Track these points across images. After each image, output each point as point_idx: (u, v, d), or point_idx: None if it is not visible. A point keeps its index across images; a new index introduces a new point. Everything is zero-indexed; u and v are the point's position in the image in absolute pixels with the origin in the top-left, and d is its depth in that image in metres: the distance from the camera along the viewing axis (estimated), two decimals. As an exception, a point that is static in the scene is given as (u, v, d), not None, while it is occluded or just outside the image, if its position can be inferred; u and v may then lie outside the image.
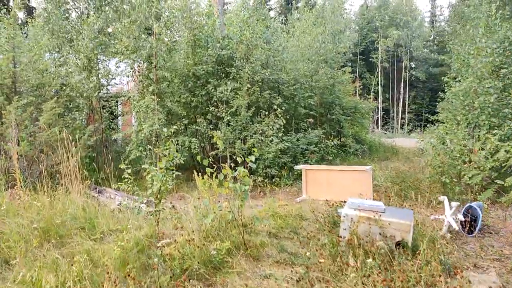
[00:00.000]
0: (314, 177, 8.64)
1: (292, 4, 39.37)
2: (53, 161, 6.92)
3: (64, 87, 9.67)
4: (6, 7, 10.90)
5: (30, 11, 22.54)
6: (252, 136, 9.41)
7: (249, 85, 9.50)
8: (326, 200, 6.74)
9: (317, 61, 13.28)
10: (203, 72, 10.08)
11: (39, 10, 16.01)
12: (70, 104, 9.88)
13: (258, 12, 11.34)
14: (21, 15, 28.59)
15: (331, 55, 13.77)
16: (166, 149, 4.88)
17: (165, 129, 8.51)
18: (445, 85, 10.04)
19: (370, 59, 43.89)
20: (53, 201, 5.48)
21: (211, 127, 10.16)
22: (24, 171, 7.45)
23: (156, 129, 9.12)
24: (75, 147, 7.16)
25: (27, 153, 7.63)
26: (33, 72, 8.81)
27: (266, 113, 9.69)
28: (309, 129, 11.74)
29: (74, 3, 12.60)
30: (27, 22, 11.88)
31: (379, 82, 42.88)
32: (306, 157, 10.91)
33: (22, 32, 10.16)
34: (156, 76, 9.63)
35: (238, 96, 9.52)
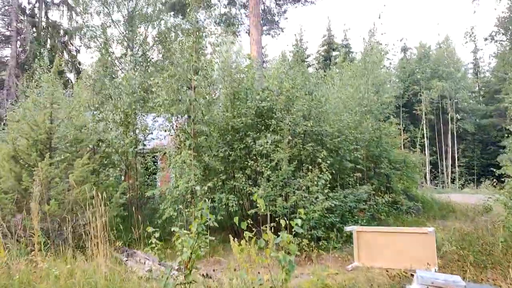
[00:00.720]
0: (368, 240, 7.61)
1: (330, 60, 39.80)
2: (80, 222, 6.44)
3: (101, 143, 9.51)
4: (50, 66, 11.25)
5: (79, 71, 23.94)
6: (295, 192, 8.62)
7: (290, 137, 8.90)
8: (384, 269, 5.72)
9: (360, 112, 12.59)
10: (242, 124, 9.65)
11: (88, 71, 16.65)
12: (105, 161, 9.65)
13: (298, 64, 11.04)
14: (72, 76, 30.68)
15: (376, 106, 13.07)
16: (199, 210, 4.24)
17: (198, 187, 7.95)
18: (507, 136, 8.95)
19: (414, 112, 42.65)
20: (73, 269, 4.88)
21: (250, 183, 9.50)
22: (52, 233, 7.03)
23: (192, 186, 8.57)
24: (106, 206, 6.71)
25: (55, 212, 7.25)
26: (70, 128, 8.72)
27: (310, 167, 8.95)
28: (357, 184, 10.78)
29: (121, 64, 12.99)
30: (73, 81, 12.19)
31: (425, 135, 41.19)
32: (356, 216, 9.88)
33: (68, 91, 10.41)
34: (194, 130, 9.29)
35: (278, 149, 8.90)
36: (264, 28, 24.23)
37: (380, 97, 13.53)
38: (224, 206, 9.10)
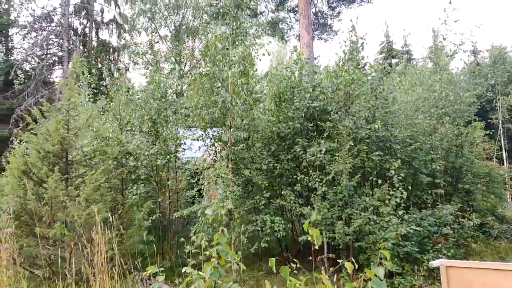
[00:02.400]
0: (463, 279, 5.58)
1: (391, 66, 37.18)
2: (82, 251, 5.16)
3: (128, 156, 8.37)
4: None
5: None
6: (360, 214, 6.81)
7: (351, 143, 7.14)
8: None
9: (437, 115, 10.48)
10: (289, 130, 8.07)
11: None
12: (132, 176, 8.48)
13: (355, 58, 9.28)
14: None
15: (455, 107, 10.85)
16: (214, 244, 2.77)
17: (230, 205, 6.46)
18: None
19: (489, 120, 38.42)
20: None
21: (301, 202, 7.83)
22: (54, 263, 5.86)
23: (228, 206, 7.08)
24: (125, 229, 5.42)
25: (63, 238, 6.09)
26: (92, 138, 7.67)
27: (378, 181, 7.11)
28: (437, 203, 8.65)
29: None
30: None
31: (503, 146, 36.85)
32: (437, 244, 7.80)
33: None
34: (231, 138, 7.86)
35: (336, 158, 7.18)
36: (316, 32, 22.70)
37: (459, 98, 11.28)
38: (269, 230, 7.49)
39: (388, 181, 7.13)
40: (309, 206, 7.35)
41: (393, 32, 64.80)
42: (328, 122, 7.56)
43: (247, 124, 7.91)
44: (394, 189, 6.90)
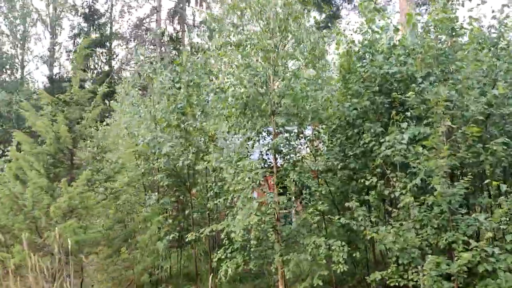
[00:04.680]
0: None
1: None
2: None
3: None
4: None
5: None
6: (468, 242, 4.13)
7: (450, 124, 4.46)
8: None
9: None
10: (355, 111, 5.64)
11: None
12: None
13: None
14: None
15: None
16: None
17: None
18: None
19: None
20: None
21: (374, 218, 5.35)
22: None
23: (259, 223, 4.98)
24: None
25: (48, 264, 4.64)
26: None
27: (499, 187, 4.32)
28: None
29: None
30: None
31: None
32: None
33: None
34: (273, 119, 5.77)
35: (426, 152, 4.56)
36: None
37: None
38: (324, 259, 5.19)
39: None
40: (386, 225, 4.84)
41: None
42: (411, 93, 4.95)
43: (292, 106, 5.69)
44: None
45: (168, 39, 28.54)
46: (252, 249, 5.46)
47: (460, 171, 5.58)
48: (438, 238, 4.40)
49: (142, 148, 6.97)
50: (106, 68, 28.13)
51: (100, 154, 6.49)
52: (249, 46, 6.02)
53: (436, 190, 4.35)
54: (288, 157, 6.38)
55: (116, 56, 30.07)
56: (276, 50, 5.87)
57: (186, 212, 6.90)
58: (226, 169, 5.53)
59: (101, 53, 28.69)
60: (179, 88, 7.22)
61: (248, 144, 6.07)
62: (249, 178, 5.48)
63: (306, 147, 6.95)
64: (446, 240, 4.27)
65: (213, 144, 6.32)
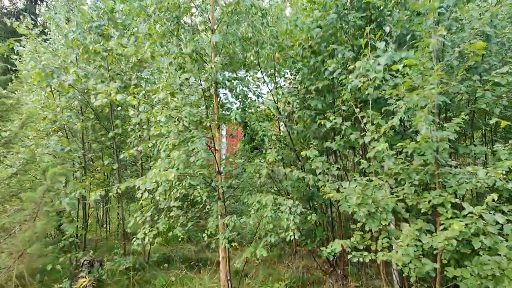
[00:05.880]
0: None
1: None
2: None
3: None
4: None
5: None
6: (459, 206, 2.99)
7: (444, 37, 3.16)
8: None
9: None
10: (319, 29, 4.28)
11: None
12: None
13: None
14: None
15: None
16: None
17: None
18: None
19: None
20: None
21: (336, 171, 4.17)
22: None
23: (183, 177, 3.72)
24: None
25: None
26: None
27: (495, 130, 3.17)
28: None
29: None
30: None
31: None
32: None
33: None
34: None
35: (409, 80, 3.29)
36: None
37: None
38: (271, 224, 4.05)
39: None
40: (349, 182, 3.65)
41: None
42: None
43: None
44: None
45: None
46: (172, 213, 4.26)
47: (445, 115, 4.42)
48: (418, 199, 3.24)
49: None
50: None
51: None
52: None
53: (418, 133, 3.14)
54: (239, 96, 5.14)
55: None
56: None
57: (105, 162, 5.58)
58: (145, 107, 4.15)
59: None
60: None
61: (181, 78, 4.66)
62: (176, 119, 4.16)
63: (264, 83, 5.63)
64: (429, 202, 3.12)
65: (136, 74, 4.89)
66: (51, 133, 6.07)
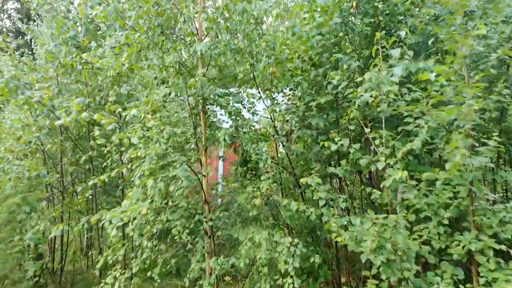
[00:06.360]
0: None
1: None
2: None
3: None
4: None
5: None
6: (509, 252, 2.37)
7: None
8: None
9: None
10: (319, 37, 3.71)
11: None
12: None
13: None
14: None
15: None
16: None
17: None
18: None
19: None
20: None
21: (343, 203, 3.53)
22: None
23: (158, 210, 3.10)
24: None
25: None
26: None
27: None
28: None
29: None
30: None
31: None
32: None
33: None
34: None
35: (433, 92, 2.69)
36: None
37: None
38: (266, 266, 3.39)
39: None
40: (359, 218, 3.01)
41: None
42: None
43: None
44: None
45: None
46: (144, 255, 3.62)
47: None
48: (448, 242, 2.60)
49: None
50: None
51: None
52: None
53: (447, 160, 2.52)
54: (232, 113, 4.57)
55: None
56: None
57: (80, 189, 4.96)
58: (115, 125, 3.54)
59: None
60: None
61: (160, 94, 4.06)
62: (154, 140, 3.55)
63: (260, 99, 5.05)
64: (463, 247, 2.47)
65: (115, 87, 4.32)
66: (29, 154, 5.55)
